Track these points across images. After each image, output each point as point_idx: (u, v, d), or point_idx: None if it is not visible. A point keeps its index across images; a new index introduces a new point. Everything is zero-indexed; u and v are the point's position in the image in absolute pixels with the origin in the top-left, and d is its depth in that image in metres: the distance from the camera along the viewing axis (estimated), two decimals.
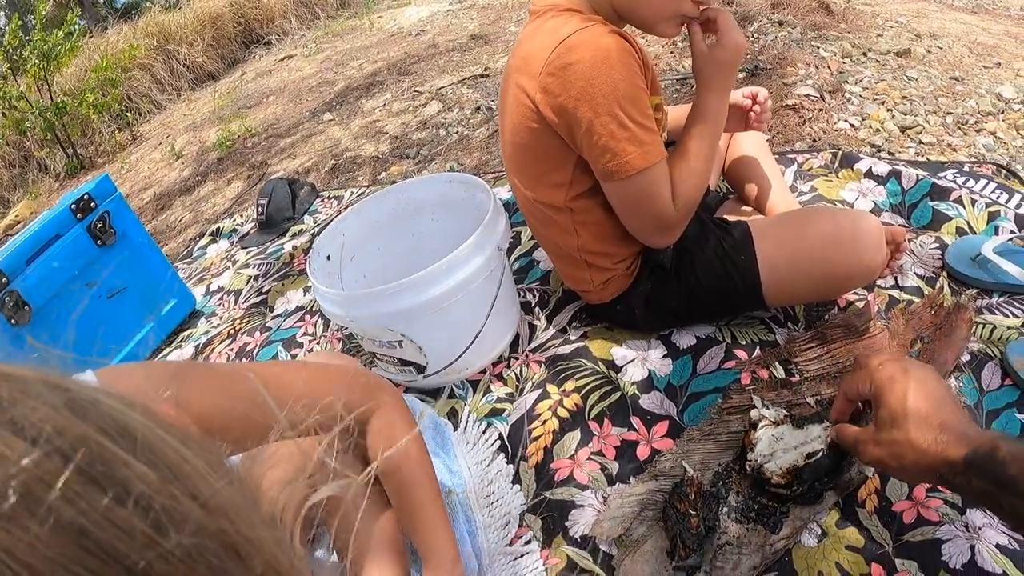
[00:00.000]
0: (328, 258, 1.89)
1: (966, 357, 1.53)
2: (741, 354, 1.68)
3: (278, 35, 5.79)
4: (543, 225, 1.68)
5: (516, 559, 1.39)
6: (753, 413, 1.40)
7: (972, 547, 1.25)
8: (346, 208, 2.54)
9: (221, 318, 2.62)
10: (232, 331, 2.40)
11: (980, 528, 1.27)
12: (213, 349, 2.34)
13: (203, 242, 3.36)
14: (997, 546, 1.24)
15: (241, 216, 3.41)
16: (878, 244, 1.52)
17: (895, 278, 1.81)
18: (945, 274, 1.80)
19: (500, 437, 1.64)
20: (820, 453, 1.30)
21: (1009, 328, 1.59)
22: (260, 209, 3.12)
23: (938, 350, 1.56)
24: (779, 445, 1.33)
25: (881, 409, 1.00)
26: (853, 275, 1.55)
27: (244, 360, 2.19)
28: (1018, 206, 1.92)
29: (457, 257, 1.57)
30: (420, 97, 3.69)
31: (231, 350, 2.29)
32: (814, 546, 1.31)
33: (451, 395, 1.81)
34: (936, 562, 1.25)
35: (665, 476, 1.44)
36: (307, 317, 2.35)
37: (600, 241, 1.62)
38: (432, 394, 1.83)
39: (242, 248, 3.11)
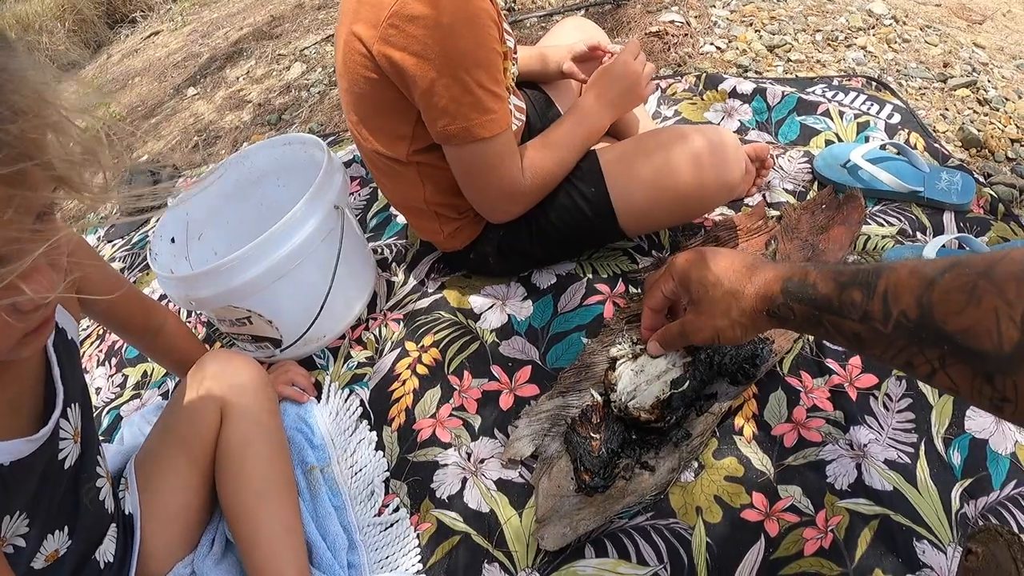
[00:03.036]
0: (172, 240, 1.75)
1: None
2: (603, 288, 1.57)
3: (143, 11, 5.43)
4: (387, 178, 1.56)
5: (386, 528, 1.32)
6: (612, 351, 1.31)
7: (858, 465, 1.18)
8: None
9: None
10: (101, 331, 2.20)
11: (866, 445, 1.20)
12: (84, 352, 2.14)
13: None
14: (885, 462, 1.17)
15: (104, 208, 3.18)
16: (735, 159, 1.43)
17: (763, 195, 1.72)
18: (816, 185, 1.71)
19: (362, 403, 1.53)
20: (685, 378, 1.21)
21: (885, 237, 1.52)
22: None
23: (833, 237, 1.50)
24: (641, 379, 1.23)
25: (692, 285, 1.04)
26: (712, 193, 1.45)
27: (114, 360, 2.01)
28: (889, 116, 1.85)
29: (289, 221, 1.45)
30: (284, 60, 3.51)
31: (100, 351, 2.10)
32: (691, 481, 1.22)
33: (313, 366, 1.68)
34: (821, 485, 1.17)
35: (571, 391, 1.37)
36: (171, 305, 2.15)
37: (447, 193, 1.51)
38: None
39: (108, 242, 2.90)
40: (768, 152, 1.64)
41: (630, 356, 1.27)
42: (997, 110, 1.96)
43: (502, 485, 1.31)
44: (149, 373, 1.87)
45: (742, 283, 0.97)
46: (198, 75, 3.85)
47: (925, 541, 1.08)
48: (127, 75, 4.47)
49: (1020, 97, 2.03)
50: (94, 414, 1.83)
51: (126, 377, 1.91)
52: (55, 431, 0.99)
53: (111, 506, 1.15)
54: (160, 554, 1.20)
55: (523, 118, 1.55)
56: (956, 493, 1.13)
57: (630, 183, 1.46)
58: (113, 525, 1.14)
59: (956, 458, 1.17)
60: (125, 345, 2.02)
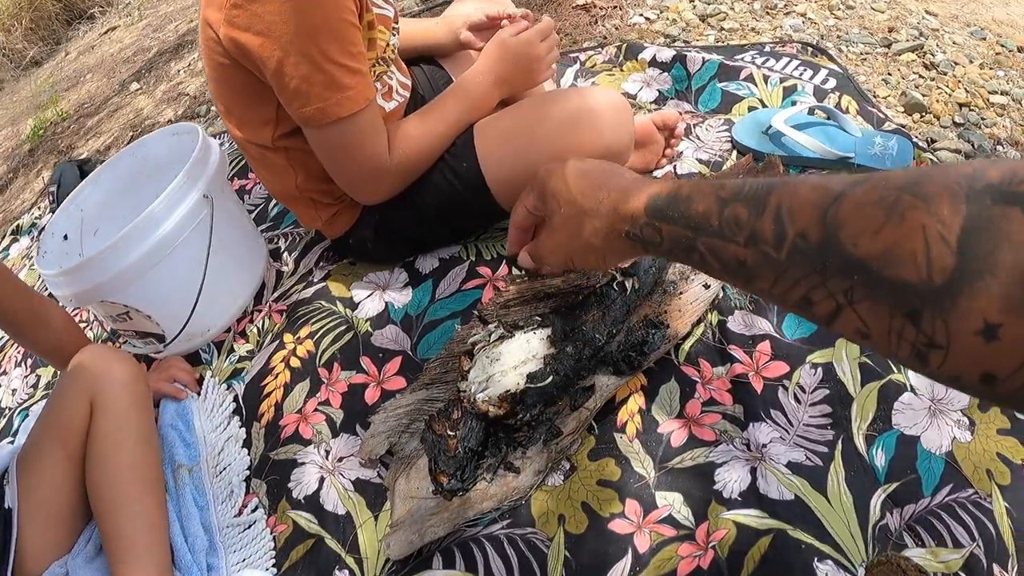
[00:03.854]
0: (65, 237, 1.65)
1: None
2: (485, 271, 1.40)
3: (102, 7, 5.24)
4: (261, 166, 1.43)
5: (245, 530, 1.23)
6: (471, 336, 1.14)
7: (753, 470, 0.99)
8: None
9: None
10: None
11: (765, 445, 1.01)
12: (5, 355, 2.03)
13: (5, 243, 2.96)
14: (789, 465, 0.98)
15: (39, 208, 3.04)
16: (619, 121, 1.26)
17: (673, 167, 1.52)
18: (735, 155, 1.52)
19: (236, 399, 1.41)
20: (547, 374, 1.04)
21: None
22: (51, 196, 2.78)
23: None
24: (495, 368, 1.05)
25: (547, 199, 0.85)
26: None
27: (29, 361, 1.93)
28: (823, 81, 1.66)
29: (153, 212, 1.35)
30: None
31: (19, 352, 1.99)
32: (559, 485, 1.04)
33: (198, 361, 1.54)
34: (706, 492, 0.98)
35: (437, 384, 1.21)
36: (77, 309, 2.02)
37: (318, 179, 1.38)
38: None
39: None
40: (677, 120, 1.46)
41: (489, 342, 1.09)
42: (945, 74, 1.79)
43: (360, 486, 1.17)
44: (59, 373, 1.71)
45: (599, 198, 0.78)
46: (143, 70, 3.72)
47: (829, 561, 0.90)
48: (80, 72, 4.34)
49: (971, 62, 1.85)
50: (7, 415, 1.82)
51: (39, 377, 1.82)
52: None
53: None
54: (37, 550, 1.16)
55: (406, 95, 1.41)
56: (876, 501, 0.94)
57: (501, 153, 1.30)
58: None
59: (880, 458, 0.98)
60: None
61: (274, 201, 1.91)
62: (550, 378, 1.03)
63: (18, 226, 2.97)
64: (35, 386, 1.78)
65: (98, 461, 1.18)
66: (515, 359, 1.05)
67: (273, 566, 1.16)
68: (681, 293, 1.19)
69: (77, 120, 3.63)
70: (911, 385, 1.04)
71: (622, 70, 1.87)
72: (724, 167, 1.49)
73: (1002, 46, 1.94)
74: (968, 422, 1.00)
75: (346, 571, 1.08)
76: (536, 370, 1.04)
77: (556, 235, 0.84)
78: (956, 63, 1.83)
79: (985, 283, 0.40)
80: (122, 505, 1.14)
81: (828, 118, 1.50)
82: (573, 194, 0.80)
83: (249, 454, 1.31)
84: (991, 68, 1.84)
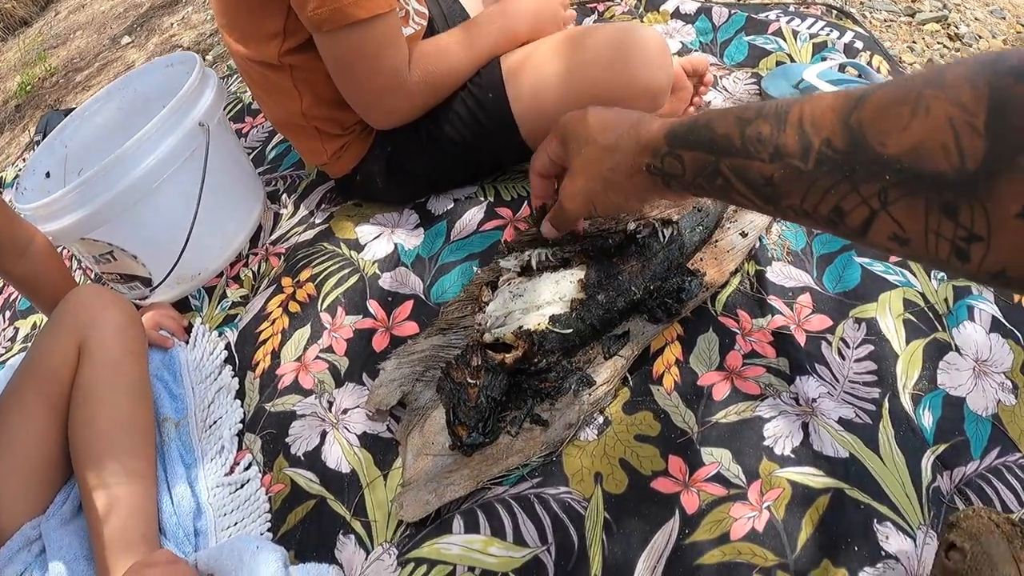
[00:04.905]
0: (48, 175, 1.51)
1: None
2: (505, 212, 1.27)
3: None
4: (263, 90, 1.30)
5: (237, 490, 1.08)
6: (502, 262, 1.02)
7: (805, 425, 0.88)
8: None
9: None
10: (1, 283, 1.96)
11: (815, 400, 0.90)
12: None
13: None
14: (840, 421, 0.87)
15: (23, 161, 2.89)
16: (657, 59, 1.14)
17: None
18: None
19: (228, 347, 1.26)
20: (571, 321, 0.92)
21: None
22: (37, 146, 2.61)
23: None
24: (516, 305, 0.93)
25: (569, 144, 0.85)
26: (632, 98, 1.14)
27: (8, 313, 1.79)
28: (852, 41, 1.54)
29: (143, 140, 1.22)
30: None
31: None
32: (593, 440, 0.92)
33: (188, 308, 1.41)
34: (756, 448, 0.87)
35: (455, 329, 1.08)
36: (64, 251, 1.89)
37: (327, 104, 1.25)
38: None
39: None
40: (707, 65, 1.35)
41: (515, 272, 0.98)
42: (970, 46, 1.70)
43: (367, 440, 1.03)
44: (39, 324, 1.63)
45: (620, 137, 0.76)
46: (135, 25, 3.59)
47: (888, 523, 0.79)
48: (70, 30, 4.19)
49: (994, 37, 1.77)
50: None
51: (17, 330, 1.67)
52: None
53: None
54: (9, 507, 1.04)
55: (423, 23, 1.27)
56: (927, 462, 0.84)
57: (532, 86, 1.18)
58: None
59: (927, 419, 0.88)
60: (19, 297, 1.78)
61: (272, 143, 1.76)
62: (573, 327, 0.91)
63: (1, 179, 2.79)
64: (12, 339, 1.65)
65: (82, 414, 1.06)
66: (540, 298, 0.92)
67: (268, 530, 1.02)
68: (716, 241, 1.08)
69: (65, 75, 3.48)
70: (955, 344, 0.95)
71: (642, 20, 1.74)
72: None
73: (1022, 26, 1.86)
74: (1012, 385, 0.92)
75: (352, 536, 0.95)
76: (561, 313, 0.91)
77: (576, 179, 0.83)
78: (980, 36, 1.74)
79: (1019, 163, 0.39)
80: (107, 464, 1.01)
81: (859, 76, 1.39)
82: (593, 133, 0.79)
83: (242, 406, 1.17)
84: (1014, 45, 1.75)
